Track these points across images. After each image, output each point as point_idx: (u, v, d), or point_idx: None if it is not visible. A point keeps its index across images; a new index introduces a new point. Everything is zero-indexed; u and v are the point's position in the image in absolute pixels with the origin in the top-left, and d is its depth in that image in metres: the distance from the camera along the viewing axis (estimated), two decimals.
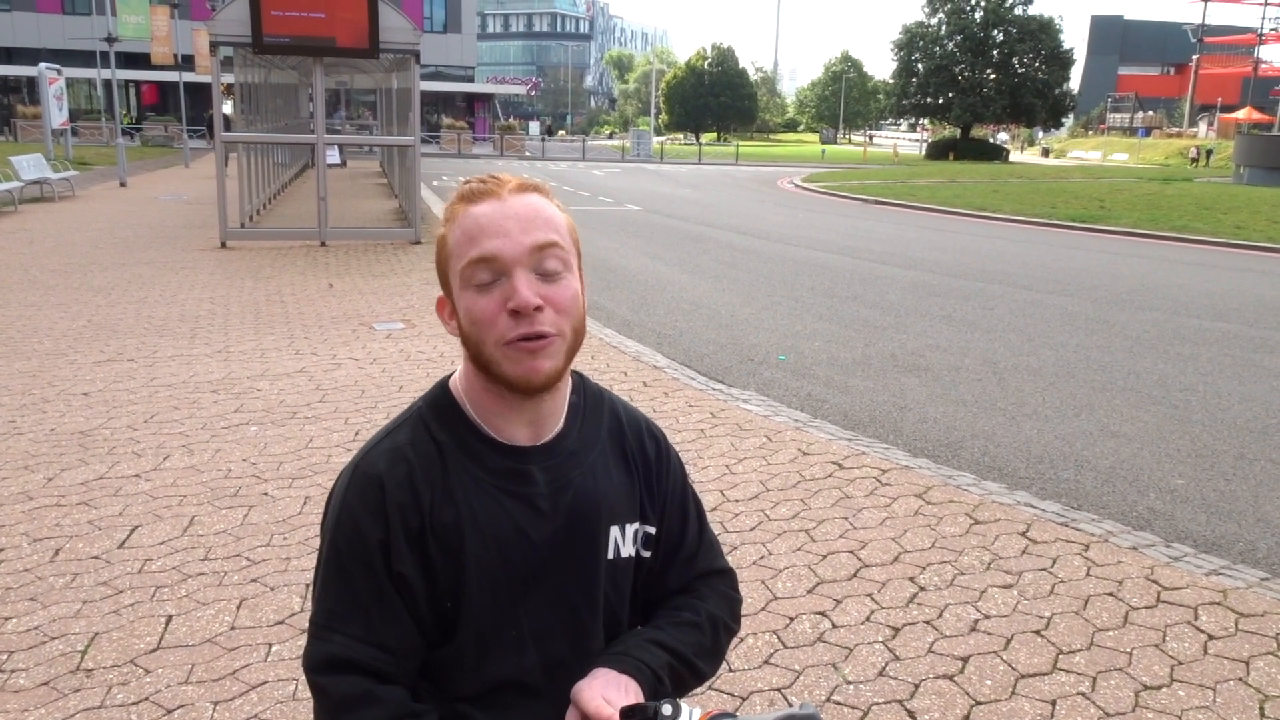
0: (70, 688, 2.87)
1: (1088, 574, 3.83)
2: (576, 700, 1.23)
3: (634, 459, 1.41)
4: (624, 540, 1.37)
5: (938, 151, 60.71)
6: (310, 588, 3.41)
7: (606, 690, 1.23)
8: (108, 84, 37.26)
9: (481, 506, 1.26)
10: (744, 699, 2.92)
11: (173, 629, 3.22)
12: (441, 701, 1.28)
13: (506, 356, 1.20)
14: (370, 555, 1.23)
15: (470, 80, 58.16)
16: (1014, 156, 64.92)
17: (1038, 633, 3.36)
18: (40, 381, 6.15)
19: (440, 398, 1.33)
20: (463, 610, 1.26)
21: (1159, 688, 3.04)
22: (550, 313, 1.20)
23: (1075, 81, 72.70)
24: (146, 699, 2.83)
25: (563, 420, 1.34)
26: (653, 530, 1.41)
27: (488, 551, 1.26)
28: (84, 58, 41.01)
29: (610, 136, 79.80)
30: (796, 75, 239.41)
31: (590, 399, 1.41)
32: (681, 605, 1.42)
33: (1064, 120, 73.31)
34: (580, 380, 1.40)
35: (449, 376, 1.36)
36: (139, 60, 41.56)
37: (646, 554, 1.41)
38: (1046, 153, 72.13)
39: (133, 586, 3.50)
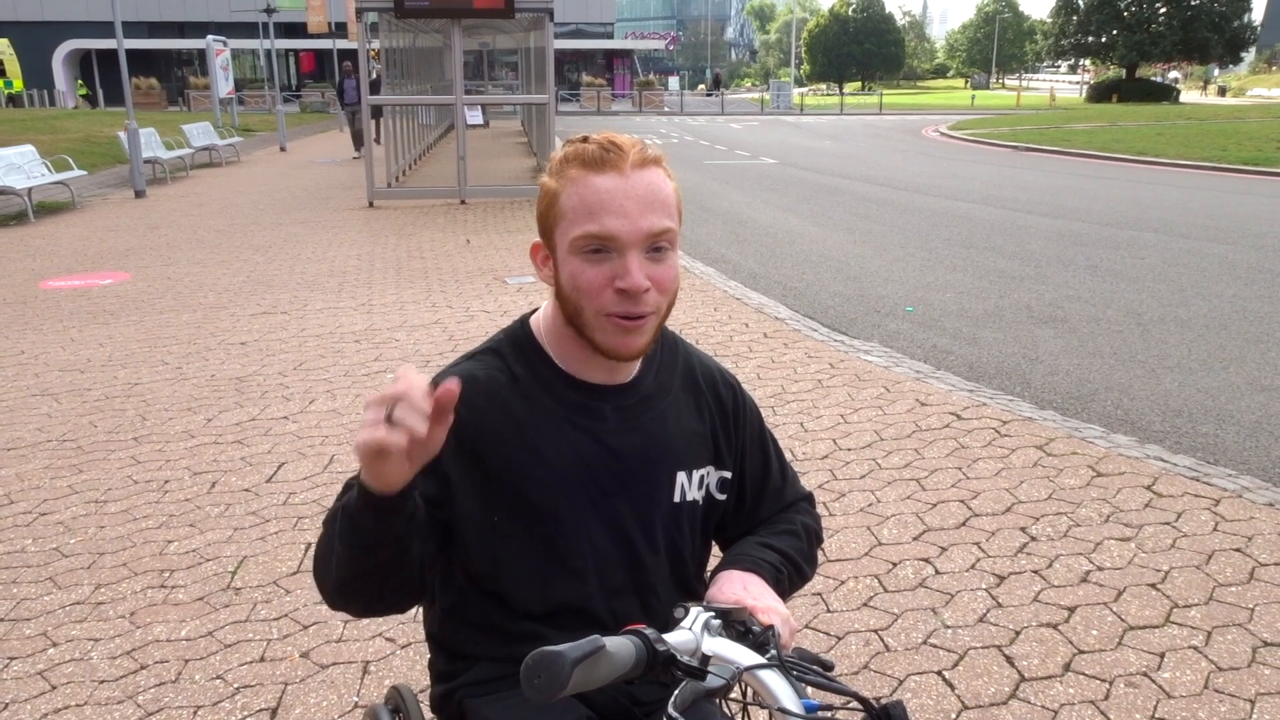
0: (221, 603, 3.19)
1: (1214, 529, 3.68)
2: (714, 602, 1.28)
3: (710, 407, 1.46)
4: (690, 485, 1.42)
5: (1100, 94, 57.04)
6: None
7: (733, 586, 1.30)
8: (269, 54, 39.22)
9: (548, 436, 1.33)
10: (840, 638, 2.98)
11: (311, 555, 3.51)
12: (512, 619, 1.37)
13: (602, 327, 1.26)
14: None
15: (609, 37, 58.33)
16: (1185, 97, 60.46)
17: (1153, 586, 3.27)
18: (204, 332, 6.68)
19: (520, 334, 1.40)
20: (513, 530, 1.33)
21: None
22: (654, 293, 1.25)
23: (1258, 12, 66.87)
24: (286, 615, 3.12)
25: (639, 364, 1.40)
26: (729, 475, 1.47)
27: (552, 479, 1.33)
28: (247, 29, 43.32)
29: (765, 87, 77.86)
30: (947, 18, 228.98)
31: (666, 346, 1.46)
32: (777, 520, 1.51)
33: (1243, 55, 67.62)
34: None
35: (530, 314, 1.42)
36: (297, 30, 43.65)
37: (721, 496, 1.47)
38: (1223, 91, 66.93)
39: (278, 517, 3.82)
